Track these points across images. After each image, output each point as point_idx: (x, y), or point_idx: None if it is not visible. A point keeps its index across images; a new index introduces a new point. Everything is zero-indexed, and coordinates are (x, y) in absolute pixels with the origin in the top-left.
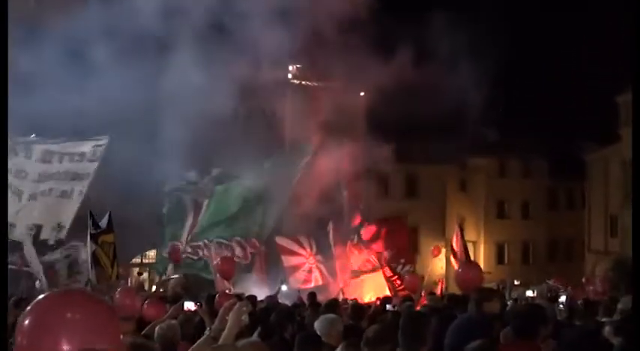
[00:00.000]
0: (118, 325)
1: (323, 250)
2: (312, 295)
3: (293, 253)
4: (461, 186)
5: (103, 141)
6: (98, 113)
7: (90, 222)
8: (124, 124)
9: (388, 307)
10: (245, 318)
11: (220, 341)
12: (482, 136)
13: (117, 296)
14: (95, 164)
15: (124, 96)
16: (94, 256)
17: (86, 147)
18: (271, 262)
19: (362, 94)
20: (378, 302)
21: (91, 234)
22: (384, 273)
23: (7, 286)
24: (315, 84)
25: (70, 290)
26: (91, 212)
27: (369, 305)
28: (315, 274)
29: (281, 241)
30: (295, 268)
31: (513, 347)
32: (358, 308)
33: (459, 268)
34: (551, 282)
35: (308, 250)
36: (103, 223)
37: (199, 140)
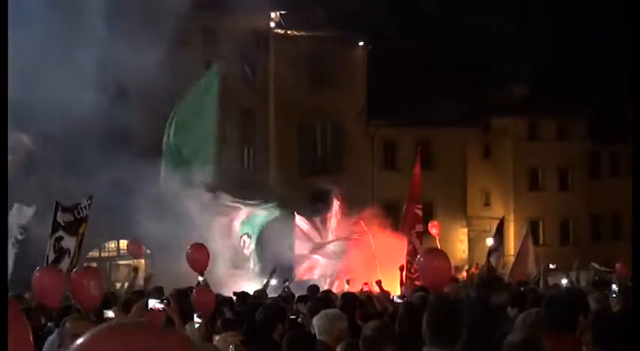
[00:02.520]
0: None
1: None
2: (314, 288)
3: (308, 238)
4: (484, 152)
5: None
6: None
7: (58, 210)
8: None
9: (395, 298)
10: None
11: None
12: (508, 91)
13: (74, 276)
14: None
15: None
16: (62, 250)
17: None
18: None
19: (361, 43)
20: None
21: (61, 224)
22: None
23: (7, 286)
24: (304, 33)
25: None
26: (57, 202)
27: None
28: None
29: (300, 221)
30: (304, 258)
31: (547, 341)
32: (349, 298)
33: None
34: (597, 265)
35: (320, 238)
36: (84, 205)
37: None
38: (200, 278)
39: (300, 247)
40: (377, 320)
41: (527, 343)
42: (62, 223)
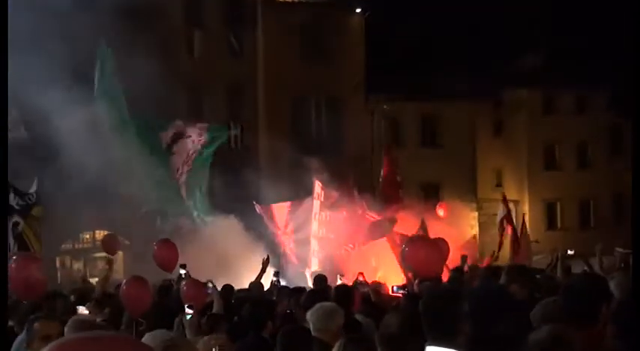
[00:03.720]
0: None
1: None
2: (320, 278)
3: (276, 224)
4: (496, 128)
5: None
6: None
7: (11, 193)
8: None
9: (395, 289)
10: None
11: None
12: (522, 60)
13: (11, 267)
14: None
15: None
16: (20, 237)
17: None
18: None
19: (358, 10)
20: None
21: (15, 207)
22: (391, 240)
23: (6, 287)
24: None
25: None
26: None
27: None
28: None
29: (259, 209)
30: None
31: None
32: (344, 292)
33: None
34: (622, 249)
35: (282, 226)
36: (32, 190)
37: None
38: (182, 271)
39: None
40: (397, 314)
41: (557, 341)
42: (16, 207)
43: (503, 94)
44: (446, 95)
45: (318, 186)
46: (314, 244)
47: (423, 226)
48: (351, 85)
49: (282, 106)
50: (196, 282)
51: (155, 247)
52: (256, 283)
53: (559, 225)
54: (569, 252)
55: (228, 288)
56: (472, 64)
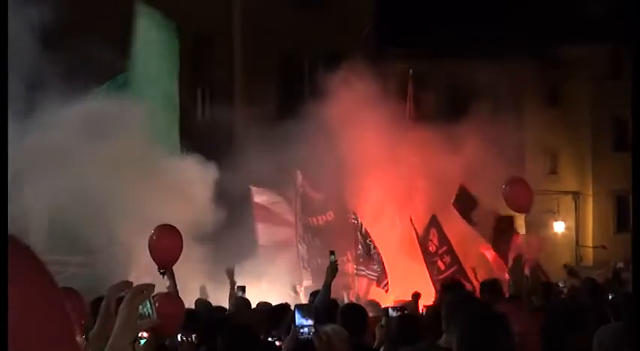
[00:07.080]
0: None
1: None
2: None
3: (278, 219)
4: (549, 95)
5: None
6: None
7: None
8: None
9: (390, 311)
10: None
11: None
12: (581, 9)
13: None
14: None
15: None
16: None
17: None
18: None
19: None
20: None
21: None
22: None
23: (6, 287)
24: None
25: None
26: None
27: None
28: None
29: (259, 195)
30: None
31: None
32: (355, 315)
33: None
34: None
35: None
36: None
37: None
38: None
39: (267, 233)
40: None
41: None
42: None
43: (559, 51)
44: (481, 52)
45: (299, 178)
46: (302, 252)
47: (435, 224)
48: (355, 37)
49: (265, 63)
50: (172, 298)
51: (154, 236)
52: (242, 301)
53: (632, 226)
54: None
55: (204, 305)
56: (517, 12)
